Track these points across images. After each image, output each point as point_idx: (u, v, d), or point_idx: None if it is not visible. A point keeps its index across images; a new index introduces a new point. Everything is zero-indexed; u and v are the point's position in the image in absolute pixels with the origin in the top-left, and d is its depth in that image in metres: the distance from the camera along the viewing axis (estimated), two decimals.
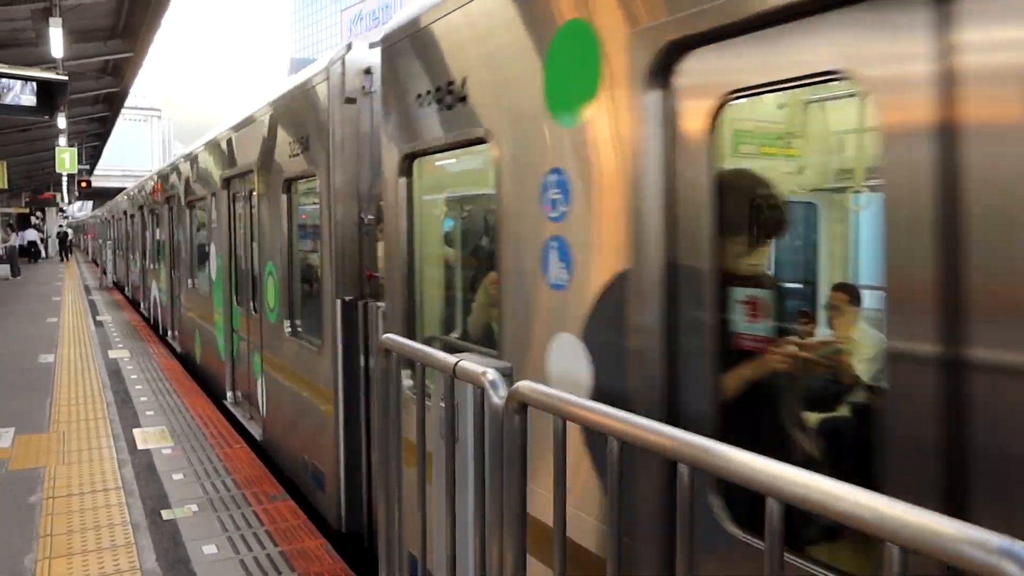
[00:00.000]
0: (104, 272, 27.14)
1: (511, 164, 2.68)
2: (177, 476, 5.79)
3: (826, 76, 1.73)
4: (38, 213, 45.71)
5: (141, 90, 61.77)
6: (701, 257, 1.99)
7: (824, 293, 3.10)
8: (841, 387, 2.54)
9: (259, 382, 6.43)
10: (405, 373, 3.31)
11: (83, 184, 32.32)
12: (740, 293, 2.21)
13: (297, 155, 5.23)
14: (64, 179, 32.44)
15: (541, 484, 2.41)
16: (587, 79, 2.29)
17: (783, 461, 1.29)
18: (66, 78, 12.10)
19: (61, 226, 48.95)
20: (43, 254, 40.47)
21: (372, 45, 4.47)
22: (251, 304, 6.79)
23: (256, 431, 6.63)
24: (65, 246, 42.89)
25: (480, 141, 2.93)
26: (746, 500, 1.71)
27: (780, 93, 2.22)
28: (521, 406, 1.99)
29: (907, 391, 1.54)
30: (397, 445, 2.77)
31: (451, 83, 3.07)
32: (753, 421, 2.28)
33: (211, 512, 5.07)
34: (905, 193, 1.53)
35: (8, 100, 11.44)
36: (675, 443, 1.52)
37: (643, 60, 2.06)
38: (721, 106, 1.91)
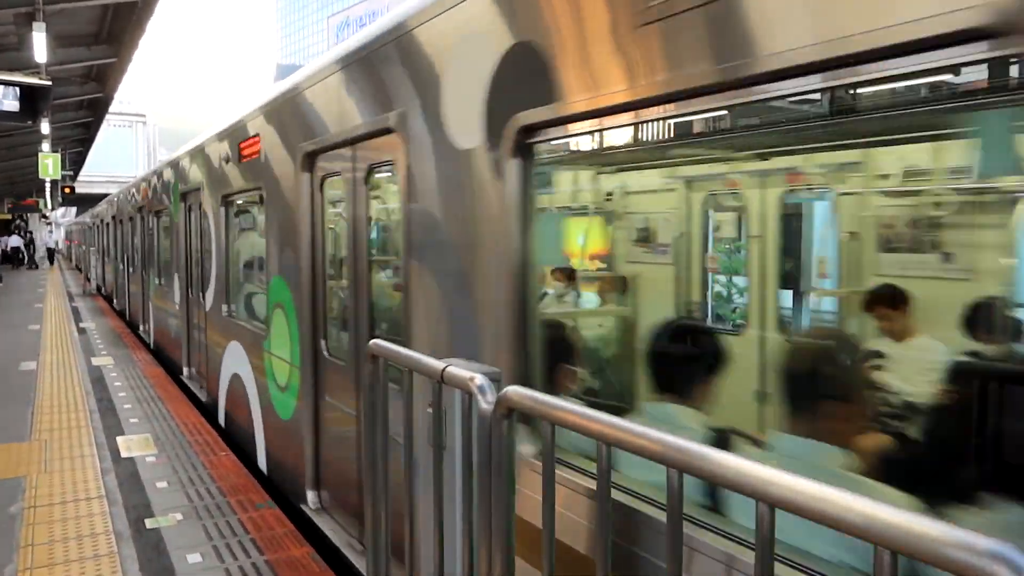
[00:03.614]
0: (88, 279, 26.89)
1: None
2: (161, 484, 5.73)
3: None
4: (20, 220, 45.19)
5: (126, 95, 61.38)
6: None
7: None
8: None
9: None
10: None
11: (67, 190, 32.08)
12: None
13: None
14: (47, 185, 32.18)
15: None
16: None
17: None
18: (50, 83, 12.00)
19: (51, 233, 48.70)
20: (26, 260, 39.95)
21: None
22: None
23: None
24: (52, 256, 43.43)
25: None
26: None
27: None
28: (509, 411, 1.98)
29: None
30: (385, 451, 2.75)
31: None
32: None
33: (196, 520, 5.01)
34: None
35: None
36: (664, 447, 1.51)
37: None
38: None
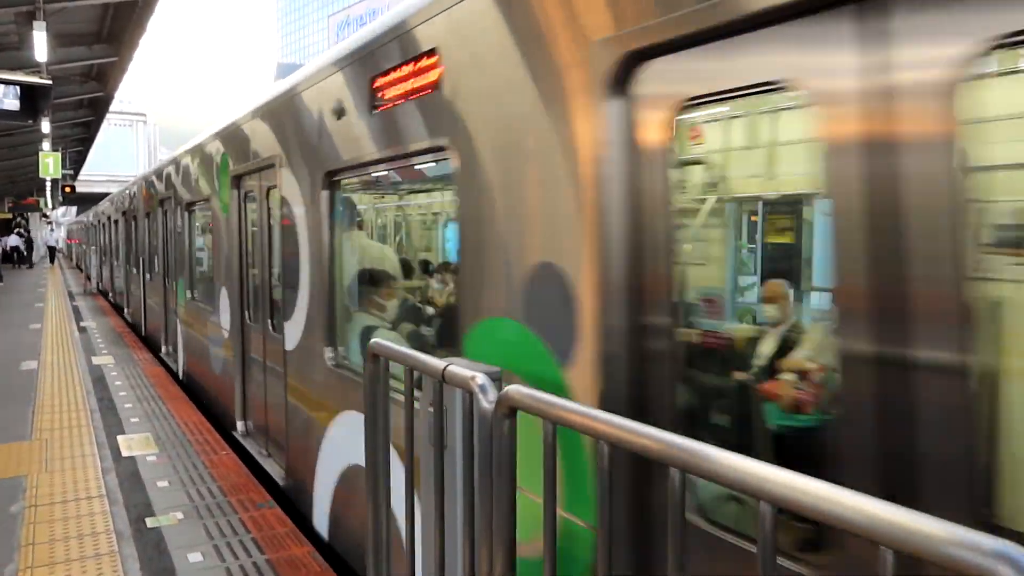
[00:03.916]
0: (88, 278, 26.90)
1: None
2: (162, 483, 5.73)
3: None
4: (21, 218, 45.21)
5: (126, 95, 61.45)
6: None
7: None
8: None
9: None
10: None
11: (67, 189, 32.06)
12: None
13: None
14: (48, 184, 32.18)
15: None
16: None
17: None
18: (50, 82, 12.00)
19: (51, 232, 48.99)
20: (26, 258, 39.87)
21: None
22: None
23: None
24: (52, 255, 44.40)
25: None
26: None
27: None
28: (511, 410, 1.98)
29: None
30: (385, 450, 2.75)
31: None
32: None
33: (196, 520, 5.01)
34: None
35: None
36: (664, 446, 1.51)
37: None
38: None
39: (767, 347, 3.02)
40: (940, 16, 1.54)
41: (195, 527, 4.89)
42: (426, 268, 6.25)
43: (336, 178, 4.55)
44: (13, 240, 39.83)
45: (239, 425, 7.01)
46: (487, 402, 2.09)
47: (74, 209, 62.13)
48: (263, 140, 5.80)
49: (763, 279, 3.05)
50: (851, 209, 1.67)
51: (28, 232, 44.68)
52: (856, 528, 1.13)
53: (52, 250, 46.86)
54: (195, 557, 4.44)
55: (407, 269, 5.87)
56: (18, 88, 11.48)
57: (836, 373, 1.69)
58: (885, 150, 1.61)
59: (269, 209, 5.89)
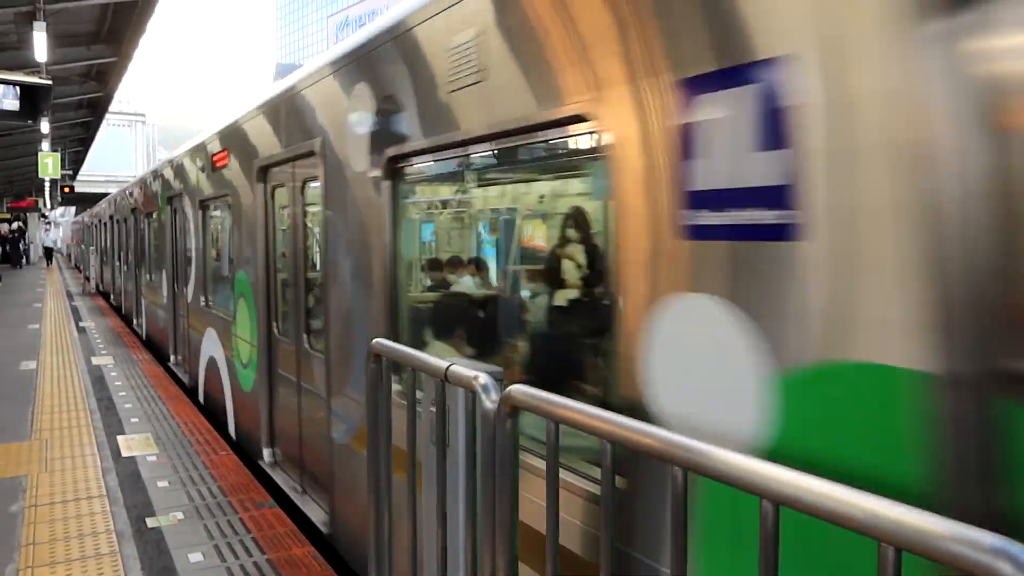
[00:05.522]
0: (87, 279, 26.88)
1: None
2: (162, 483, 5.73)
3: None
4: (21, 215, 44.95)
5: (126, 95, 61.39)
6: None
7: None
8: None
9: None
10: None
11: (66, 189, 32.07)
12: None
13: None
14: (47, 184, 32.17)
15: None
16: None
17: None
18: (50, 82, 12.01)
19: (48, 232, 48.37)
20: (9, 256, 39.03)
21: None
22: None
23: None
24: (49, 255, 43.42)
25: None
26: None
27: None
28: (513, 410, 1.99)
29: None
30: (387, 451, 2.76)
31: None
32: None
33: (197, 520, 5.02)
34: None
35: None
36: (667, 446, 1.52)
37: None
38: None
39: None
40: None
41: (195, 527, 4.89)
42: None
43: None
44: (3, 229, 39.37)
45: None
46: (490, 402, 2.10)
47: (72, 209, 62.09)
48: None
49: None
50: None
51: (20, 229, 43.57)
52: (858, 525, 1.14)
53: (49, 251, 46.52)
54: (195, 557, 4.45)
55: None
56: (18, 88, 11.48)
57: None
58: None
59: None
